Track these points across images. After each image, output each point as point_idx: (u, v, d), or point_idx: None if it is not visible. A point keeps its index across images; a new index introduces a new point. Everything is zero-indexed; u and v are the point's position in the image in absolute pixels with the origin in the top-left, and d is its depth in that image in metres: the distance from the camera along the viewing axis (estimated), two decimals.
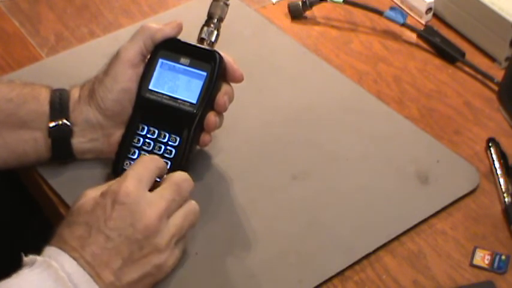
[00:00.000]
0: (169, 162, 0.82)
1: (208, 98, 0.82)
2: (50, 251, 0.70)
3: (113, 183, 0.73)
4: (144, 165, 0.75)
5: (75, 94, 0.85)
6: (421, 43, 1.07)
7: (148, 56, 0.84)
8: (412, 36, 1.08)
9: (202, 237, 0.80)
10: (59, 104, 0.83)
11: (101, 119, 0.83)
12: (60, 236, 0.71)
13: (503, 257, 0.79)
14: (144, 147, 0.83)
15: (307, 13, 1.11)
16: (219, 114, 0.84)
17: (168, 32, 0.83)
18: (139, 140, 0.83)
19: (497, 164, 0.88)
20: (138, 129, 0.83)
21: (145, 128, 0.83)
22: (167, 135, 0.83)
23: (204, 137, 0.84)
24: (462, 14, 1.06)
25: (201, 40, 0.85)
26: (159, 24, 0.84)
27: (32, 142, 0.83)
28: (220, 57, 0.82)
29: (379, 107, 0.96)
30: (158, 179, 0.77)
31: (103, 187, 0.74)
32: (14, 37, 1.07)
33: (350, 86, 0.99)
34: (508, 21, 0.99)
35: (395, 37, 1.08)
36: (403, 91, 0.99)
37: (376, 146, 0.91)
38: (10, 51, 1.05)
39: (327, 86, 0.99)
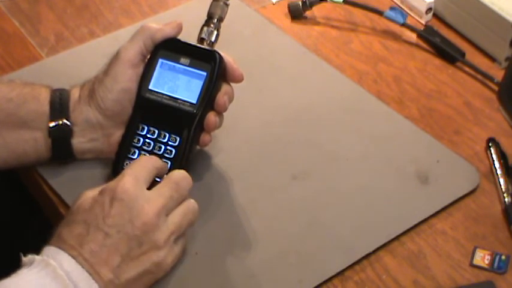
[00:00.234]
0: (169, 162, 0.82)
1: (208, 98, 0.82)
2: (49, 250, 0.70)
3: (111, 182, 0.73)
4: (142, 164, 0.76)
5: (75, 94, 0.85)
6: (421, 43, 1.07)
7: (148, 56, 0.84)
8: (412, 36, 1.08)
9: (202, 237, 0.80)
10: (59, 104, 0.83)
11: (101, 119, 0.83)
12: (59, 236, 0.71)
13: (503, 257, 0.79)
14: (144, 147, 0.83)
15: (307, 13, 1.11)
16: (219, 114, 0.84)
17: (168, 32, 0.83)
18: (139, 140, 0.83)
19: (497, 164, 0.88)
20: (138, 129, 0.83)
21: (145, 128, 0.83)
22: (167, 135, 0.83)
23: (204, 137, 0.84)
24: (462, 14, 1.06)
25: (201, 40, 0.85)
26: (159, 24, 0.84)
27: (32, 142, 0.83)
28: (220, 57, 0.82)
29: (379, 107, 0.96)
30: (158, 179, 0.77)
31: (101, 187, 0.74)
32: (14, 37, 1.07)
33: (350, 86, 0.99)
34: (508, 21, 0.99)
35: (395, 37, 1.08)
36: (403, 91, 0.99)
37: (376, 146, 0.91)
38: (10, 51, 1.05)
39: (327, 86, 0.99)
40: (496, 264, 0.78)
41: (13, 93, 0.83)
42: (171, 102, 0.82)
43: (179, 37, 0.84)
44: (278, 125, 0.93)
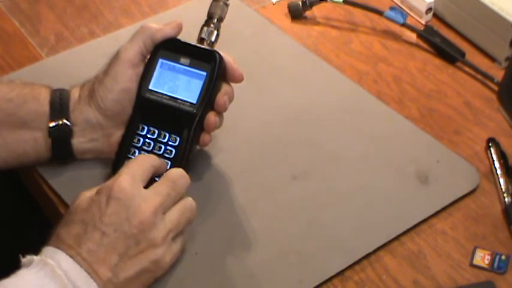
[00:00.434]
0: (169, 162, 0.82)
1: (208, 98, 0.82)
2: (47, 250, 0.70)
3: (108, 181, 0.74)
4: (139, 163, 0.76)
5: (75, 94, 0.85)
6: (421, 43, 1.07)
7: (148, 56, 0.84)
8: (412, 36, 1.08)
9: (202, 237, 0.80)
10: (59, 104, 0.83)
11: (101, 119, 0.83)
12: (57, 236, 0.71)
13: (503, 257, 0.79)
14: (144, 147, 0.83)
15: (307, 13, 1.11)
16: (219, 114, 0.84)
17: (168, 32, 0.83)
18: (139, 140, 0.83)
19: (497, 164, 0.88)
20: (138, 129, 0.83)
21: (145, 128, 0.83)
22: (167, 135, 0.83)
23: (204, 137, 0.84)
24: (462, 14, 1.06)
25: (201, 40, 0.85)
26: (159, 24, 0.84)
27: (32, 142, 0.83)
28: (220, 57, 0.82)
29: (379, 107, 0.96)
30: (156, 178, 0.77)
31: (99, 186, 0.74)
32: (14, 37, 1.07)
33: (350, 86, 0.99)
34: (508, 21, 0.99)
35: (395, 37, 1.08)
36: (403, 91, 0.99)
37: (376, 146, 0.91)
38: (10, 51, 1.05)
39: (327, 86, 0.99)
40: (496, 264, 0.78)
41: (13, 93, 0.83)
42: (171, 102, 0.82)
43: (179, 37, 0.84)
44: (278, 125, 0.93)
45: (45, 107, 0.83)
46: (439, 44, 1.05)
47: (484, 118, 0.95)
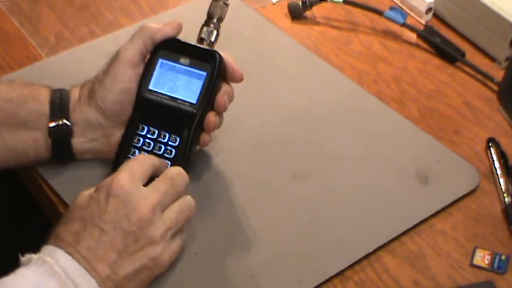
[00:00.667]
0: (169, 162, 0.82)
1: (208, 98, 0.82)
2: (46, 249, 0.70)
3: (107, 178, 0.74)
4: (138, 162, 0.76)
5: (75, 94, 0.85)
6: (421, 43, 1.07)
7: (148, 56, 0.84)
8: (412, 36, 1.08)
9: (202, 237, 0.80)
10: (59, 104, 0.83)
11: (100, 119, 0.83)
12: (57, 235, 0.71)
13: (503, 257, 0.79)
14: (144, 147, 0.83)
15: (307, 13, 1.11)
16: (219, 114, 0.84)
17: (167, 32, 0.83)
18: (139, 140, 0.83)
19: (497, 164, 0.88)
20: (138, 129, 0.83)
21: (145, 128, 0.83)
22: (167, 135, 0.83)
23: (204, 137, 0.84)
24: (462, 14, 1.06)
25: (200, 40, 0.85)
26: (159, 24, 0.84)
27: (31, 142, 0.83)
28: (220, 57, 0.82)
29: (379, 107, 0.96)
30: (156, 178, 0.77)
31: (95, 185, 0.74)
32: (14, 37, 1.07)
33: (350, 86, 0.99)
34: (508, 21, 0.99)
35: (395, 37, 1.08)
36: (403, 91, 0.99)
37: (376, 146, 0.91)
38: (10, 51, 1.05)
39: (327, 86, 0.99)
40: (496, 264, 0.78)
41: (13, 93, 0.83)
42: (171, 102, 0.82)
43: (179, 37, 0.84)
44: (278, 125, 0.93)
45: (45, 107, 0.83)
46: (439, 44, 1.05)
47: (484, 118, 0.95)
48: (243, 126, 0.92)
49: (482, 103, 0.97)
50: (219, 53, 0.83)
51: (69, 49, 1.04)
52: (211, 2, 0.86)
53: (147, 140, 0.83)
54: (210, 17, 0.85)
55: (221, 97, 0.83)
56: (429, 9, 1.09)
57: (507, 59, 1.01)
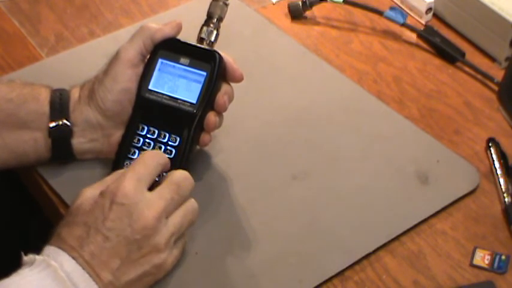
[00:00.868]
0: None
1: (208, 98, 0.82)
2: (49, 250, 0.70)
3: (112, 182, 0.73)
4: (145, 164, 0.75)
5: (75, 94, 0.85)
6: (421, 43, 1.07)
7: (148, 56, 0.84)
8: (412, 36, 1.08)
9: (202, 237, 0.80)
10: (59, 104, 0.83)
11: (100, 119, 0.83)
12: (59, 236, 0.71)
13: (503, 257, 0.79)
14: (144, 147, 0.83)
15: (307, 13, 1.11)
16: (219, 114, 0.84)
17: (167, 32, 0.83)
18: (139, 140, 0.83)
19: (497, 164, 0.88)
20: (138, 129, 0.83)
21: (145, 128, 0.83)
22: (167, 135, 0.83)
23: (204, 137, 0.84)
24: (462, 14, 1.06)
25: (200, 40, 0.85)
26: (159, 24, 0.84)
27: (31, 142, 0.83)
28: (220, 57, 0.82)
29: (379, 107, 0.96)
30: (157, 179, 0.76)
31: (101, 185, 0.74)
32: (14, 37, 1.07)
33: (350, 86, 0.99)
34: (508, 21, 0.99)
35: (395, 37, 1.08)
36: (403, 91, 0.99)
37: (376, 146, 0.91)
38: (10, 51, 1.05)
39: (327, 86, 0.99)
40: (496, 264, 0.78)
41: (13, 93, 0.83)
42: (171, 102, 0.82)
43: (179, 37, 0.84)
44: (278, 125, 0.93)
45: (45, 107, 0.83)
46: (439, 44, 1.05)
47: (484, 118, 0.95)
48: (243, 126, 0.92)
49: (482, 103, 0.97)
50: (219, 53, 0.83)
51: (69, 49, 1.04)
52: (211, 2, 0.86)
53: (147, 140, 0.83)
54: (209, 16, 0.85)
55: (221, 97, 0.83)
56: (429, 9, 1.09)
57: (507, 59, 1.01)
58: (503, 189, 0.85)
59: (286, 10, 1.11)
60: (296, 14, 1.11)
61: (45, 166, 0.86)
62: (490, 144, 0.90)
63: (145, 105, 0.83)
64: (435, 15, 1.10)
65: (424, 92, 0.99)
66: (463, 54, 1.03)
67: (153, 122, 0.83)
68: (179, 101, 0.82)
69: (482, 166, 0.89)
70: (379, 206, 0.84)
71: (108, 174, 0.83)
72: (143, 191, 0.73)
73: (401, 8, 1.12)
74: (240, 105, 0.87)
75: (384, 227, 0.81)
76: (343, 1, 1.09)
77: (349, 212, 0.83)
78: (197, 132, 0.83)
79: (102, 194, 0.72)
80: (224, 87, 0.84)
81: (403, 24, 1.07)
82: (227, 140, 0.90)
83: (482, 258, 0.79)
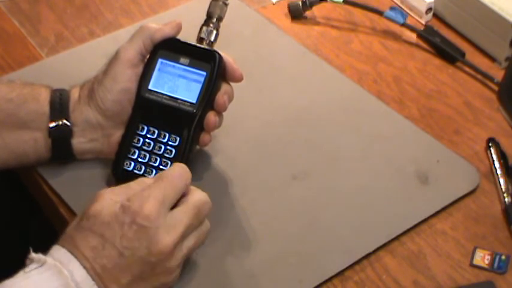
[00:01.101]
0: (169, 162, 0.82)
1: (208, 97, 0.82)
2: (60, 252, 0.69)
3: (136, 197, 0.70)
4: (172, 184, 0.73)
5: (75, 94, 0.85)
6: (421, 43, 1.07)
7: (148, 56, 0.84)
8: (412, 36, 1.08)
9: None
10: (59, 104, 0.83)
11: (100, 120, 0.83)
12: (72, 239, 0.70)
13: (503, 257, 0.79)
14: (144, 147, 0.83)
15: (307, 13, 1.11)
16: (219, 114, 0.84)
17: (167, 31, 0.83)
18: (139, 140, 0.83)
19: (497, 164, 0.88)
20: (138, 129, 0.83)
21: (145, 128, 0.83)
22: (167, 135, 0.83)
23: (204, 137, 0.84)
24: (462, 14, 1.06)
25: (200, 40, 0.85)
26: (159, 24, 0.84)
27: (31, 142, 0.83)
28: (220, 56, 0.82)
29: (379, 107, 0.96)
30: None
31: (124, 192, 0.71)
32: (14, 37, 1.07)
33: (350, 86, 0.99)
34: (508, 21, 0.99)
35: (395, 37, 1.08)
36: (403, 91, 0.99)
37: (376, 146, 0.91)
38: (10, 51, 1.05)
39: (327, 86, 0.99)
40: (496, 264, 0.78)
41: (13, 93, 0.83)
42: (170, 102, 0.82)
43: (179, 37, 0.84)
44: (278, 125, 0.93)
45: (45, 107, 0.83)
46: (439, 44, 1.05)
47: (484, 118, 0.95)
48: (243, 126, 0.92)
49: (482, 103, 0.97)
50: (218, 53, 0.83)
51: (69, 49, 1.04)
52: (211, 2, 0.86)
53: (147, 140, 0.83)
54: (209, 16, 0.85)
55: (221, 97, 0.83)
56: (429, 9, 1.09)
57: (507, 59, 1.01)
58: (503, 189, 0.85)
59: (286, 10, 1.11)
60: (296, 14, 1.11)
61: (45, 166, 0.86)
62: (490, 144, 0.90)
63: (145, 105, 0.83)
64: (435, 15, 1.10)
65: (424, 92, 0.99)
66: (463, 54, 1.03)
67: (153, 122, 0.83)
68: (179, 100, 0.82)
69: (482, 166, 0.89)
70: (379, 206, 0.84)
71: (108, 174, 0.84)
72: (166, 214, 0.71)
73: (401, 8, 1.12)
74: (240, 105, 0.87)
75: (383, 227, 0.81)
76: (343, 1, 1.09)
77: (349, 212, 0.83)
78: (197, 132, 0.83)
79: (124, 208, 0.70)
80: (224, 87, 0.84)
81: (403, 24, 1.07)
82: (227, 140, 0.90)
83: (482, 258, 0.79)
